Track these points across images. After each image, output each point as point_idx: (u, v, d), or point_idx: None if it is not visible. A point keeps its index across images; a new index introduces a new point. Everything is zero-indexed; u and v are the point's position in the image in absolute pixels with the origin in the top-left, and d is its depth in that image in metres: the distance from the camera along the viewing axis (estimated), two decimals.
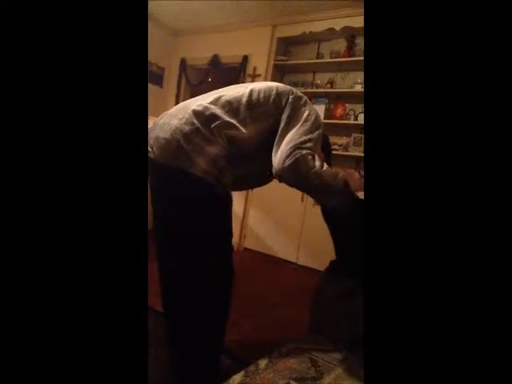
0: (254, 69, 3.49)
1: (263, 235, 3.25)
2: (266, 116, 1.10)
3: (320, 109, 3.03)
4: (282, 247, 3.14)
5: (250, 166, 1.13)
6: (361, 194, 1.21)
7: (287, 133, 1.06)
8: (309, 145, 1.04)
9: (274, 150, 1.05)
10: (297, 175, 1.02)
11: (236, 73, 3.58)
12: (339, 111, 3.11)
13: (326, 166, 1.07)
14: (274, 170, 1.04)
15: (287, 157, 1.01)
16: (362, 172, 3.07)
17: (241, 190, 1.51)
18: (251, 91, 1.11)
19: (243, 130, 1.05)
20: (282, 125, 1.08)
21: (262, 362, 1.14)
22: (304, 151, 1.02)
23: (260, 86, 1.15)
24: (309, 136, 1.05)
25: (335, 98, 3.16)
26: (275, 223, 3.18)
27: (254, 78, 3.48)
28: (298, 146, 1.02)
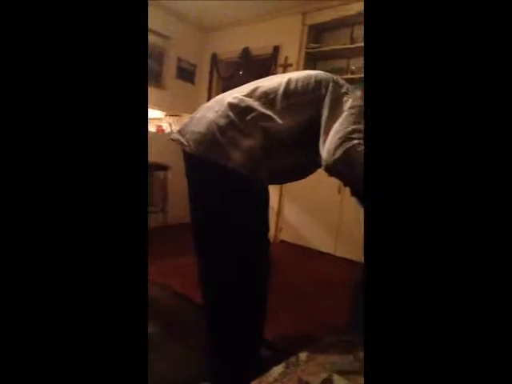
0: (286, 58, 3.44)
1: (299, 227, 3.22)
2: (305, 106, 1.06)
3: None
4: (318, 239, 3.09)
5: (287, 158, 1.10)
6: None
7: (332, 123, 1.00)
8: (358, 135, 0.97)
9: (321, 140, 1.00)
10: (349, 166, 0.96)
11: (267, 64, 3.55)
12: None
13: None
14: (323, 162, 0.99)
15: (337, 147, 0.95)
16: None
17: (279, 183, 1.48)
18: (288, 81, 1.07)
19: (279, 120, 1.02)
20: (325, 114, 1.03)
21: (303, 354, 1.13)
22: (355, 141, 0.95)
23: (298, 74, 1.11)
24: (357, 126, 0.98)
25: None
26: (311, 215, 3.14)
27: (286, 67, 3.43)
28: (347, 137, 0.95)
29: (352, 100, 1.04)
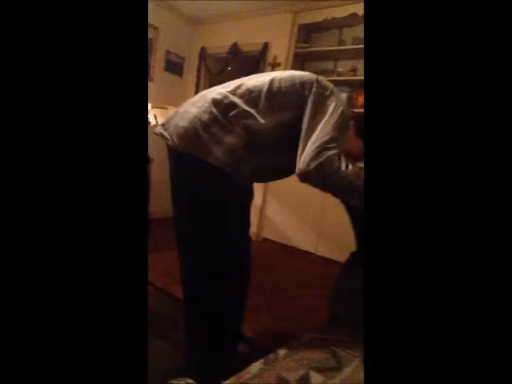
0: (275, 57, 3.44)
1: (282, 225, 3.25)
2: (288, 106, 1.07)
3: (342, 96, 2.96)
4: (300, 237, 3.13)
5: (270, 157, 1.11)
6: None
7: (312, 128, 1.02)
8: (335, 144, 1.00)
9: (299, 147, 1.02)
10: (321, 177, 0.99)
11: (256, 61, 3.54)
12: (361, 99, 3.03)
13: (350, 165, 1.03)
14: (297, 170, 1.01)
15: (313, 159, 0.98)
16: None
17: (261, 181, 1.49)
18: (272, 80, 1.08)
19: (261, 119, 1.03)
20: (305, 118, 1.04)
21: (282, 351, 1.15)
22: (330, 152, 0.98)
23: (283, 74, 1.11)
24: (335, 133, 1.01)
25: (358, 87, 3.08)
26: (294, 213, 3.17)
27: (275, 66, 3.43)
28: (323, 147, 0.98)
29: (335, 104, 1.05)
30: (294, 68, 3.32)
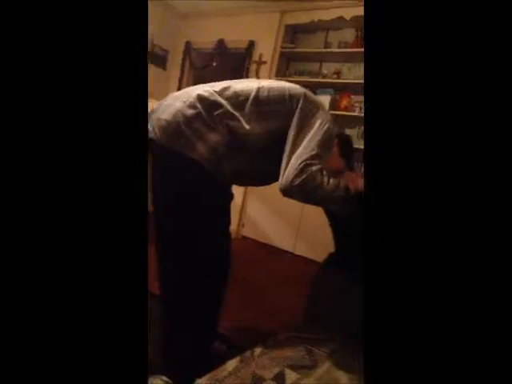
0: (260, 56, 3.44)
1: (261, 224, 3.25)
2: (275, 117, 1.07)
3: (325, 99, 3.00)
4: (279, 236, 3.15)
5: (253, 163, 1.11)
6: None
7: (297, 143, 1.03)
8: (319, 160, 1.01)
9: (283, 161, 1.03)
10: (303, 193, 1.01)
11: (242, 58, 3.53)
12: (344, 102, 3.08)
13: (332, 179, 1.05)
14: (280, 185, 1.02)
15: (297, 175, 0.98)
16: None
17: (245, 184, 1.49)
18: (261, 88, 1.08)
19: (246, 125, 1.03)
20: (291, 133, 1.05)
21: (258, 349, 1.15)
22: (314, 168, 0.99)
23: (272, 84, 1.12)
24: (320, 150, 1.02)
25: (341, 89, 3.12)
26: (273, 212, 3.18)
27: (260, 64, 3.43)
28: (308, 163, 0.99)
29: (321, 120, 1.06)
30: (279, 67, 3.33)
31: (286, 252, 3.06)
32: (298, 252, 3.02)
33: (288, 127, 1.06)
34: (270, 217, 3.20)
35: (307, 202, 1.10)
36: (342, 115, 3.03)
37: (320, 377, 1.05)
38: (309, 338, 1.22)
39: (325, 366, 1.10)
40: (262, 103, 1.06)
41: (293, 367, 1.07)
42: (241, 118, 1.03)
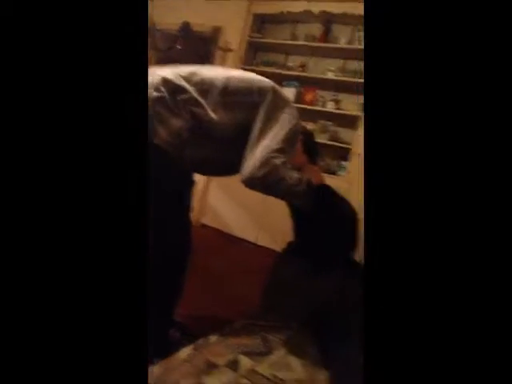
0: (227, 42, 3.38)
1: (223, 212, 3.24)
2: (241, 108, 1.05)
3: (290, 92, 3.02)
4: (241, 226, 3.15)
5: (216, 152, 1.09)
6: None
7: (262, 136, 1.02)
8: (283, 154, 1.01)
9: (247, 151, 1.02)
10: (265, 185, 1.01)
11: (207, 44, 3.45)
12: (309, 96, 3.12)
13: (294, 173, 1.06)
14: (242, 176, 1.01)
15: (260, 167, 0.98)
16: (327, 160, 3.13)
17: (204, 174, 1.47)
18: (230, 78, 1.06)
19: (212, 113, 1.01)
20: (257, 124, 1.04)
21: (213, 337, 1.15)
22: (277, 161, 0.99)
23: (241, 75, 1.10)
24: (284, 144, 1.02)
25: (306, 83, 3.16)
26: (236, 201, 3.17)
27: (226, 51, 3.37)
28: (271, 155, 0.99)
29: (288, 116, 1.06)
30: (246, 55, 3.30)
31: (248, 242, 3.07)
32: (260, 242, 3.05)
33: (253, 121, 1.05)
34: (232, 205, 3.19)
35: (269, 195, 1.10)
36: (306, 109, 3.07)
37: (274, 363, 1.07)
38: (265, 326, 1.24)
39: (279, 353, 1.12)
40: (229, 93, 1.04)
41: (247, 354, 1.08)
42: (206, 106, 1.01)
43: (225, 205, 3.23)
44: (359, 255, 1.52)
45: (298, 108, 3.18)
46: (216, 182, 3.23)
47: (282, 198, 1.15)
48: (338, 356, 1.08)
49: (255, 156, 1.00)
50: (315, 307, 1.27)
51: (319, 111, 3.04)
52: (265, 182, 0.99)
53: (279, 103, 1.07)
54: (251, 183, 1.00)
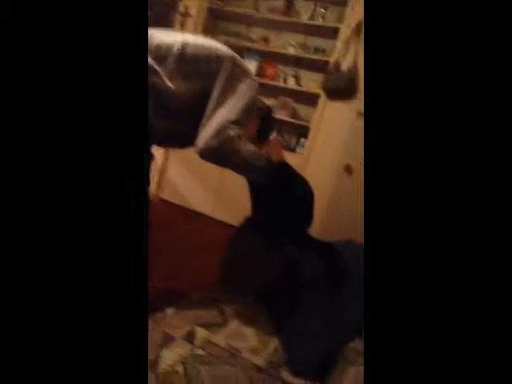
0: (186, 7, 3.20)
1: (182, 187, 3.19)
2: (199, 77, 1.01)
3: (251, 65, 2.96)
4: (199, 201, 3.13)
5: (173, 123, 1.05)
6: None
7: (219, 105, 0.99)
8: (238, 126, 0.99)
9: (203, 121, 0.99)
10: (219, 157, 0.99)
11: (164, 8, 3.24)
12: (270, 71, 3.08)
13: (251, 146, 1.05)
14: (196, 147, 0.99)
15: (213, 136, 0.96)
16: (286, 136, 3.15)
17: (161, 145, 1.42)
18: (187, 44, 1.00)
19: (168, 82, 0.96)
20: (214, 94, 1.01)
21: (170, 310, 1.16)
22: (232, 132, 0.97)
23: (199, 41, 1.04)
24: (241, 116, 1.00)
25: (268, 57, 3.11)
26: (194, 176, 3.13)
27: (185, 16, 3.20)
28: (226, 126, 0.97)
29: (247, 87, 1.04)
30: (206, 23, 3.16)
31: (206, 216, 3.07)
32: (217, 217, 3.06)
33: (212, 89, 1.02)
34: (191, 180, 3.15)
35: (224, 166, 1.09)
36: (266, 84, 3.05)
37: (229, 333, 1.12)
38: (221, 298, 1.27)
39: (234, 324, 1.17)
40: (186, 60, 1.00)
41: (203, 325, 1.11)
42: (162, 74, 0.96)
43: (183, 179, 3.18)
44: (316, 231, 1.58)
45: (258, 83, 3.12)
46: (175, 156, 3.15)
47: (238, 171, 1.15)
48: (287, 324, 1.15)
49: (210, 126, 0.98)
50: (269, 280, 1.32)
51: (279, 87, 3.03)
52: (219, 153, 0.98)
53: (238, 73, 1.05)
54: (205, 154, 0.99)
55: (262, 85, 3.01)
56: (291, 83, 2.99)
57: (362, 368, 0.89)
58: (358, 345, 1.01)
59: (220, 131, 0.97)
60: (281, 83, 3.02)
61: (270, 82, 3.03)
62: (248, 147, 1.04)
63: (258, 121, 1.22)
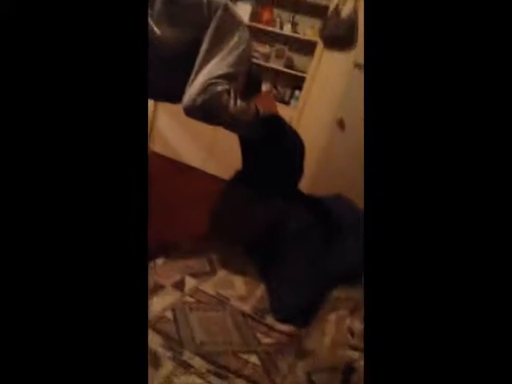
0: None
1: (172, 141, 3.14)
2: (187, 24, 0.93)
3: (246, 8, 2.78)
4: (190, 154, 3.10)
5: (161, 74, 0.99)
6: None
7: (208, 58, 0.93)
8: (228, 81, 0.93)
9: (191, 76, 0.93)
10: (206, 114, 0.94)
11: None
12: (266, 15, 2.90)
13: (239, 102, 0.99)
14: (182, 103, 0.93)
15: (199, 93, 0.90)
16: (280, 88, 3.05)
17: (153, 99, 1.37)
18: None
19: (155, 28, 0.89)
20: (204, 45, 0.94)
21: (160, 260, 1.19)
22: (219, 87, 0.91)
23: None
24: (231, 70, 0.94)
25: (263, 0, 2.91)
26: (185, 129, 3.07)
27: None
28: (214, 81, 0.91)
29: (239, 38, 0.96)
30: None
31: (197, 169, 3.06)
32: (208, 170, 3.05)
33: (202, 40, 0.95)
34: (182, 132, 3.09)
35: (210, 124, 1.05)
36: (262, 30, 2.88)
37: (218, 281, 1.16)
38: (210, 248, 1.30)
39: (223, 273, 1.20)
40: (174, 3, 0.92)
41: (193, 274, 1.15)
42: (149, 19, 0.90)
43: (174, 132, 3.11)
44: (306, 186, 1.59)
45: (252, 28, 2.94)
46: (165, 109, 3.06)
47: (226, 127, 1.11)
48: (273, 273, 1.19)
49: (197, 81, 0.93)
50: (257, 232, 1.34)
51: (274, 33, 2.87)
52: (205, 111, 0.93)
53: (230, 23, 0.97)
54: (190, 111, 0.94)
55: (256, 30, 2.87)
56: (288, 29, 2.83)
57: (341, 312, 0.94)
58: (340, 292, 1.06)
59: (207, 87, 0.91)
60: (277, 29, 2.86)
61: (266, 28, 2.86)
62: (236, 102, 0.99)
63: (246, 79, 1.15)
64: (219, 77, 0.92)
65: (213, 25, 0.95)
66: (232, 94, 0.96)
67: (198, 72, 0.93)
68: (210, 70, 0.92)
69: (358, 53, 2.57)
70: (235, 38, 0.97)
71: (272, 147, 1.23)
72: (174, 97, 1.12)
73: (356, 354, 0.75)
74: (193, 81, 0.93)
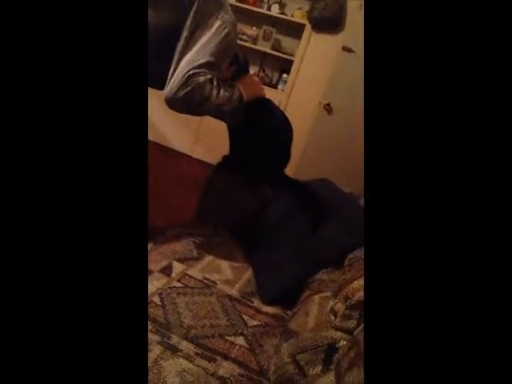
0: None
1: (161, 126, 3.09)
2: (166, 7, 0.90)
3: None
4: (178, 139, 3.07)
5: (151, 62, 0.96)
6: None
7: (189, 46, 0.89)
8: (210, 69, 0.90)
9: (171, 67, 0.89)
10: (188, 106, 0.91)
11: None
12: None
13: (222, 91, 0.96)
14: (164, 96, 0.90)
15: (181, 86, 0.87)
16: (267, 71, 3.00)
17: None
18: None
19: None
20: (184, 33, 0.90)
21: (148, 245, 1.19)
22: (202, 78, 0.88)
23: None
24: (214, 58, 0.90)
25: None
26: (174, 115, 3.02)
27: None
28: (195, 72, 0.87)
29: (221, 23, 0.92)
30: None
31: (184, 155, 3.03)
32: (196, 155, 3.02)
33: (180, 27, 0.92)
34: (171, 117, 3.05)
35: (194, 115, 1.03)
36: (249, 11, 2.82)
37: (204, 266, 1.17)
38: (197, 234, 1.31)
39: (209, 257, 1.21)
40: None
41: (180, 260, 1.15)
42: None
43: (163, 118, 3.06)
44: (292, 170, 1.60)
45: (240, 9, 2.87)
46: (151, 93, 2.99)
47: (210, 116, 1.10)
48: (259, 258, 1.21)
49: (178, 72, 0.89)
50: (243, 217, 1.35)
51: (262, 14, 2.81)
52: (187, 103, 0.91)
53: (211, 6, 0.93)
54: (173, 104, 0.91)
55: (243, 11, 2.80)
56: (275, 10, 2.78)
57: (324, 294, 0.96)
58: (324, 275, 1.08)
59: (188, 79, 0.88)
60: (264, 10, 2.80)
61: (253, 8, 2.80)
62: (219, 92, 0.95)
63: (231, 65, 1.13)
64: (201, 66, 0.88)
65: (193, 10, 0.91)
66: (215, 83, 0.93)
67: (178, 61, 0.90)
68: (191, 59, 0.89)
69: (346, 36, 2.55)
70: (218, 22, 0.92)
71: (259, 132, 1.23)
72: (159, 83, 1.09)
73: (338, 334, 0.77)
74: (174, 71, 0.90)
